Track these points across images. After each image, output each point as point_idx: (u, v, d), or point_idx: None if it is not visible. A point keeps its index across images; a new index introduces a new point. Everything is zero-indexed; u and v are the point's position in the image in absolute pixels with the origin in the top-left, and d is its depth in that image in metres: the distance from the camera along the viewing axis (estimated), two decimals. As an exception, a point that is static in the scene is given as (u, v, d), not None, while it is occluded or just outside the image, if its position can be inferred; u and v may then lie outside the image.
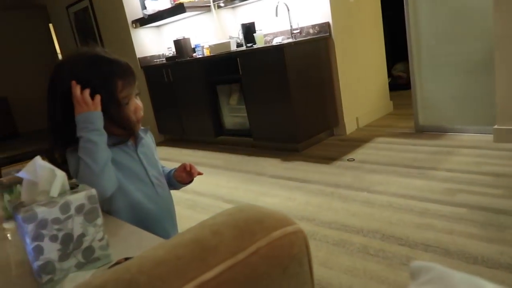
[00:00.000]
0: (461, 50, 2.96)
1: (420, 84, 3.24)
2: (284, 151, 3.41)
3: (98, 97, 0.99)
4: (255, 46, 3.48)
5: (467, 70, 2.97)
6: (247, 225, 0.56)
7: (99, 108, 0.99)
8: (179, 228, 1.24)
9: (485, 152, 2.64)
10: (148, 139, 1.18)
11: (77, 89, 0.97)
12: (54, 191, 0.64)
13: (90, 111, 0.98)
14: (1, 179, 0.88)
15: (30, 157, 0.71)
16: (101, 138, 0.98)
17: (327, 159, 3.02)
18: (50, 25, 7.05)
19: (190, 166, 1.23)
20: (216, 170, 3.24)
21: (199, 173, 1.26)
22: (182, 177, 1.24)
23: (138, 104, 1.08)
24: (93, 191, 0.66)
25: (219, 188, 2.82)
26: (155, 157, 1.20)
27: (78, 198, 0.64)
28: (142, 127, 1.16)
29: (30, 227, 0.60)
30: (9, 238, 0.91)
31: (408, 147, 3.01)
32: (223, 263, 0.49)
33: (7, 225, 0.92)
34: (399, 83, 4.99)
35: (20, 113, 7.07)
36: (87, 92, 0.98)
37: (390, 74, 4.82)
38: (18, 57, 7.16)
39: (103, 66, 1.02)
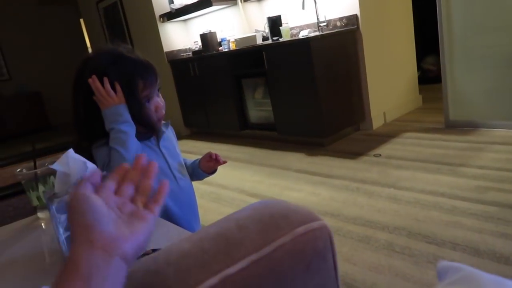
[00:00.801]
0: (496, 41, 2.85)
1: (451, 77, 3.14)
2: (309, 146, 3.39)
3: (119, 89, 1.01)
4: (281, 40, 3.46)
5: (502, 63, 2.86)
6: (272, 220, 0.56)
7: (123, 100, 1.01)
8: (204, 221, 1.26)
9: (519, 148, 2.54)
10: (169, 133, 1.20)
11: (98, 84, 1.00)
12: (86, 183, 0.66)
13: (116, 105, 1.00)
14: (36, 170, 0.92)
15: (62, 148, 0.73)
16: (131, 128, 1.02)
17: (353, 154, 2.98)
18: (81, 20, 7.24)
19: (216, 155, 1.25)
20: (240, 164, 3.26)
21: (224, 162, 1.27)
22: (210, 166, 1.26)
23: (159, 103, 1.08)
24: (122, 184, 0.68)
25: (243, 182, 2.83)
26: (177, 150, 1.22)
27: (108, 190, 0.66)
28: (163, 122, 1.18)
29: (63, 218, 0.63)
30: (43, 227, 0.95)
31: (437, 142, 2.93)
32: (248, 258, 0.49)
33: (41, 215, 0.96)
34: (429, 76, 4.85)
35: (52, 106, 7.32)
36: (108, 85, 1.00)
37: (419, 67, 4.69)
38: (51, 52, 7.40)
39: (125, 66, 1.03)
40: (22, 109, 6.92)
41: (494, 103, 2.98)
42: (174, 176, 1.15)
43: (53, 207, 0.63)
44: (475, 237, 1.67)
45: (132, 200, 0.48)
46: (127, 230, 0.42)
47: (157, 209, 0.48)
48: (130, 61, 1.03)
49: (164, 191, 0.50)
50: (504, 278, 0.39)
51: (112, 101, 1.00)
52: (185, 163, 1.27)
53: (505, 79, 2.86)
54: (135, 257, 0.43)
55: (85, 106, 1.05)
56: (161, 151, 1.14)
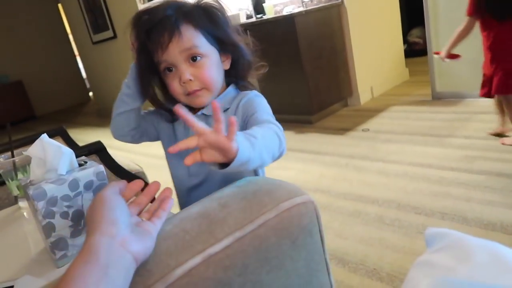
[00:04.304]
0: (480, 11, 2.83)
1: (437, 49, 3.12)
2: (297, 123, 3.38)
3: (135, 45, 0.86)
4: (265, 17, 3.40)
5: (486, 33, 2.84)
6: (255, 197, 0.55)
7: (136, 59, 0.87)
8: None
9: (505, 117, 2.56)
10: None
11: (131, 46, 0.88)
12: (62, 169, 0.64)
13: None
14: (14, 159, 0.89)
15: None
16: (124, 89, 0.90)
17: (341, 130, 2.98)
18: (59, 5, 7.03)
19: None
20: (229, 145, 3.24)
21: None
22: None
23: (182, 75, 0.80)
24: (101, 167, 0.66)
25: (233, 163, 2.82)
26: None
27: (86, 175, 0.64)
28: (214, 100, 0.85)
29: (40, 205, 0.61)
30: (26, 216, 0.92)
31: (425, 115, 2.94)
32: (231, 236, 0.48)
33: (22, 204, 0.93)
34: (415, 49, 4.84)
35: (36, 96, 7.15)
36: (130, 44, 0.86)
37: (405, 41, 4.67)
38: (30, 39, 7.19)
39: (138, 28, 0.83)
40: (5, 100, 6.74)
41: (478, 73, 2.97)
42: (188, 169, 0.91)
43: (31, 194, 0.61)
44: (463, 206, 1.69)
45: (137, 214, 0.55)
46: (137, 235, 0.47)
47: (159, 222, 0.52)
48: (142, 21, 0.82)
49: (166, 208, 0.55)
50: (490, 240, 0.39)
51: None
52: None
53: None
54: (141, 260, 0.45)
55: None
56: (189, 134, 0.90)
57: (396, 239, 1.56)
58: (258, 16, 3.55)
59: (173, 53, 0.80)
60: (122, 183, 0.53)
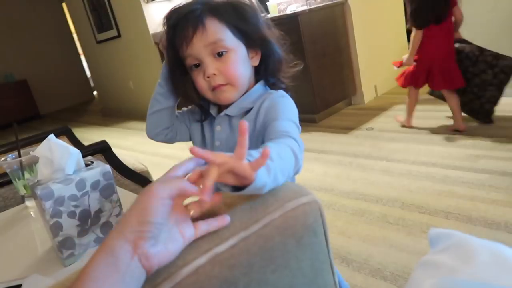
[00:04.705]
0: (484, 9, 2.81)
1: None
2: (301, 122, 3.33)
3: (164, 46, 0.87)
4: (268, 16, 3.39)
5: (491, 31, 2.83)
6: (260, 197, 0.55)
7: (165, 56, 0.88)
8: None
9: (509, 115, 2.55)
10: (237, 121, 0.86)
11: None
12: (69, 169, 0.65)
13: None
14: (21, 158, 0.90)
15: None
16: (157, 88, 0.91)
17: (345, 129, 2.98)
18: (63, 4, 7.05)
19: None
20: (233, 144, 3.24)
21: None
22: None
23: (207, 70, 0.79)
24: (107, 167, 0.67)
25: (237, 161, 2.82)
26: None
27: (93, 174, 0.65)
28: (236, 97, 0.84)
29: (48, 204, 0.61)
30: (33, 215, 0.94)
31: (429, 113, 2.93)
32: (237, 235, 0.49)
33: (29, 203, 0.94)
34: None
35: (41, 95, 7.18)
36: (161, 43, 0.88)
37: (409, 38, 4.64)
38: (34, 38, 7.21)
39: (167, 25, 0.84)
40: (10, 99, 6.77)
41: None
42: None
43: (39, 194, 0.62)
44: (467, 205, 1.69)
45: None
46: (163, 245, 0.44)
47: (203, 230, 0.48)
48: (171, 18, 0.83)
49: (222, 223, 0.50)
50: (494, 241, 0.39)
51: None
52: None
53: (494, 47, 2.84)
54: (156, 269, 0.44)
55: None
56: (213, 133, 0.90)
57: (400, 238, 1.57)
58: (262, 15, 3.54)
59: (198, 46, 0.79)
60: (192, 162, 0.48)
